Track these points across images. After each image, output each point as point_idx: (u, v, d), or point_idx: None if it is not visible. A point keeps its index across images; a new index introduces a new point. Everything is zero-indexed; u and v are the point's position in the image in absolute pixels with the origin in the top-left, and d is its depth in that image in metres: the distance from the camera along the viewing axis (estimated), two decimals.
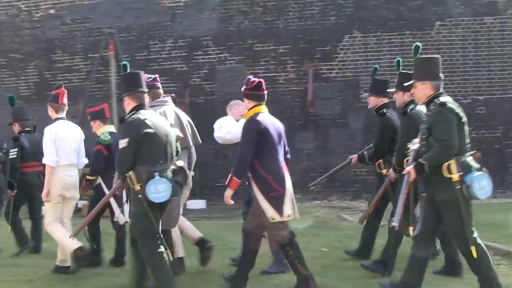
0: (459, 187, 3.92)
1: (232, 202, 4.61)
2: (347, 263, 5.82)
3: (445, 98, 4.11)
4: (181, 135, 4.66)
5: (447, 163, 3.95)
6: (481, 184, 3.89)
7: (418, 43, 4.56)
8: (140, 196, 4.18)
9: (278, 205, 4.48)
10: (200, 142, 5.48)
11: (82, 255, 5.31)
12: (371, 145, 5.90)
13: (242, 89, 4.86)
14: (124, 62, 4.78)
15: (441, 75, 4.24)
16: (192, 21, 11.19)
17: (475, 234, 4.09)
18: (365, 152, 5.99)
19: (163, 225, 4.62)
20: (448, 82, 10.35)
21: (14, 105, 6.78)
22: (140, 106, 4.41)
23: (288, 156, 4.90)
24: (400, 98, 5.16)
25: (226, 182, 4.62)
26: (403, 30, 10.42)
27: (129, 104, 4.45)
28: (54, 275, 5.55)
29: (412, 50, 4.55)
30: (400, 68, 5.29)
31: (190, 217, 8.96)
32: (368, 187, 10.37)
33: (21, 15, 12.28)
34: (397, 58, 5.34)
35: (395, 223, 4.33)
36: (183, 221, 5.53)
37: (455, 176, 3.91)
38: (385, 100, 5.66)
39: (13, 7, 12.31)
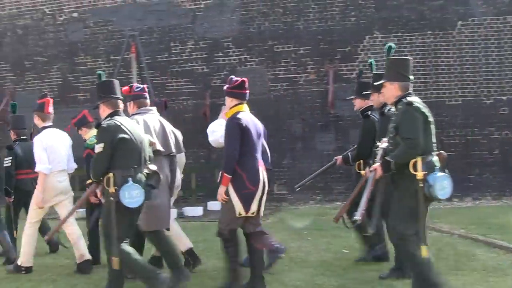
0: (421, 185, 3.96)
1: (226, 198, 4.68)
2: (368, 265, 5.78)
3: (413, 98, 4.15)
4: (153, 141, 4.78)
5: (413, 161, 3.99)
6: (442, 185, 3.97)
7: (390, 44, 4.59)
8: (112, 199, 4.29)
9: (247, 201, 4.64)
10: (184, 150, 5.62)
11: (86, 268, 5.56)
12: (355, 146, 5.95)
13: (225, 87, 4.95)
14: (99, 72, 4.95)
15: (411, 76, 4.26)
16: (213, 23, 11.24)
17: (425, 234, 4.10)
18: (349, 153, 6.02)
19: (152, 226, 4.88)
20: (470, 82, 10.27)
21: (15, 112, 6.89)
22: (115, 113, 4.54)
23: (268, 155, 5.09)
24: (376, 99, 5.21)
25: (218, 180, 4.72)
26: (424, 30, 10.33)
27: (104, 110, 4.60)
28: (77, 275, 5.65)
29: (385, 50, 4.60)
30: (374, 69, 5.27)
31: (211, 218, 9.05)
32: None
33: (45, 18, 12.50)
34: (370, 60, 5.29)
35: (357, 217, 4.32)
36: (173, 227, 5.56)
37: (419, 174, 3.96)
38: (370, 102, 5.64)
39: (38, 11, 12.54)
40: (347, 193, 10.43)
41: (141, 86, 5.45)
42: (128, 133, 4.39)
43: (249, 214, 4.69)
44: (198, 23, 11.35)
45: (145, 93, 5.33)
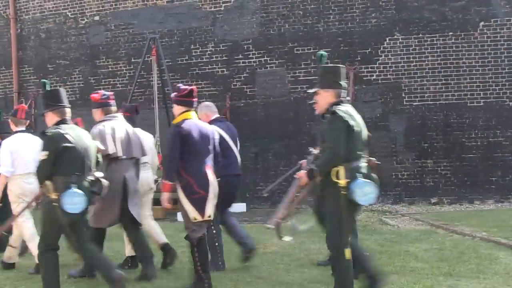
0: (344, 192, 4.05)
1: (169, 205, 4.93)
2: (389, 267, 5.75)
3: (342, 107, 4.19)
4: (101, 147, 4.97)
5: (335, 169, 4.07)
6: (364, 191, 4.03)
7: (322, 52, 4.66)
8: (54, 204, 4.46)
9: (200, 206, 4.77)
10: (147, 154, 5.75)
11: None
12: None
13: (173, 95, 5.12)
14: (43, 80, 5.12)
15: (343, 83, 4.32)
16: (233, 25, 11.30)
17: (348, 239, 4.19)
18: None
19: (98, 224, 5.33)
20: (492, 84, 10.14)
21: (0, 119, 7.10)
22: (62, 121, 4.70)
23: (220, 159, 5.15)
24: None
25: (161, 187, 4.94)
26: (445, 32, 10.24)
27: (51, 119, 4.74)
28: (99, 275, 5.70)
29: (317, 58, 4.66)
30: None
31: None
32: (410, 190, 10.25)
33: (67, 22, 12.69)
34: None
35: (269, 224, 4.51)
36: (150, 224, 5.93)
37: (342, 182, 4.05)
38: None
39: (60, 15, 12.74)
40: None
41: (107, 94, 5.66)
42: (72, 141, 4.56)
43: (206, 218, 4.83)
44: (218, 26, 11.42)
45: (110, 101, 5.59)
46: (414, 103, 10.32)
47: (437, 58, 10.24)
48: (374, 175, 4.22)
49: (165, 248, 5.85)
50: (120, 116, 5.63)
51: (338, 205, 4.10)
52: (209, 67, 11.44)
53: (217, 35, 11.41)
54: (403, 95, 10.37)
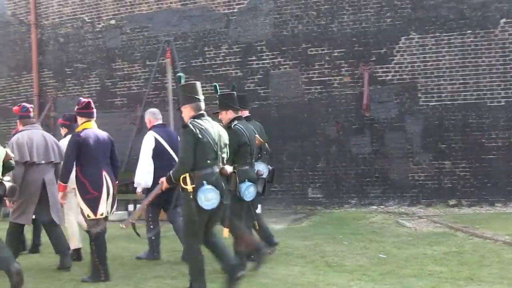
0: (191, 197, 4.49)
1: (65, 202, 5.78)
2: (406, 270, 5.67)
3: (199, 120, 4.66)
4: (11, 154, 5.36)
5: (183, 176, 4.55)
6: (207, 197, 4.47)
7: (180, 74, 4.97)
8: None
9: (93, 205, 5.42)
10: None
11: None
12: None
13: (75, 108, 5.81)
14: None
15: (200, 96, 4.75)
16: (246, 27, 11.28)
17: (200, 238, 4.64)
18: None
19: (19, 220, 5.95)
20: None
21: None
22: None
23: (117, 164, 5.80)
24: (224, 116, 5.64)
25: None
26: (464, 30, 10.08)
27: None
28: (118, 274, 5.73)
29: (177, 79, 5.01)
30: (218, 92, 5.66)
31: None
32: (427, 192, 10.10)
33: (84, 26, 12.79)
34: (214, 84, 5.64)
35: (122, 224, 5.02)
36: (70, 220, 6.57)
37: (189, 188, 4.51)
38: (246, 113, 6.47)
39: (78, 19, 12.86)
40: (383, 196, 10.33)
41: (27, 106, 6.37)
42: None
43: (99, 216, 5.45)
44: (232, 28, 11.41)
45: (29, 113, 6.33)
46: (431, 103, 10.18)
47: (455, 57, 10.09)
48: (223, 183, 4.62)
49: (78, 251, 6.57)
50: (38, 125, 6.41)
51: (188, 208, 4.57)
52: (223, 68, 11.43)
53: (231, 36, 11.40)
54: (419, 95, 10.24)
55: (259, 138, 5.95)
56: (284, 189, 10.90)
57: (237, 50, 11.32)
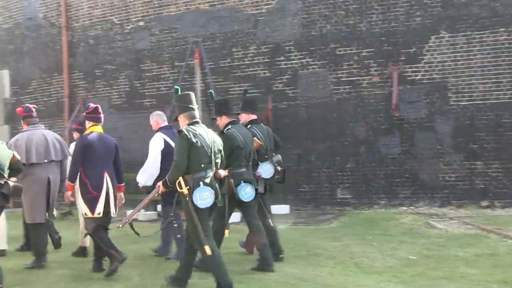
0: (188, 198, 4.77)
1: (72, 199, 5.98)
2: (437, 272, 5.59)
3: (193, 126, 4.96)
4: (18, 157, 5.50)
5: (178, 180, 4.83)
6: (202, 196, 4.75)
7: (176, 86, 5.37)
8: None
9: (91, 204, 5.72)
10: (70, 155, 6.46)
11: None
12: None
13: (84, 113, 6.11)
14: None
15: (194, 106, 5.09)
16: (274, 27, 11.28)
17: (207, 236, 4.86)
18: None
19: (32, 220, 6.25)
20: None
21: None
22: None
23: (121, 167, 6.07)
24: (220, 122, 5.92)
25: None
26: (496, 28, 9.86)
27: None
28: (146, 274, 5.80)
29: (174, 91, 5.32)
30: (214, 98, 6.12)
31: (274, 222, 9.04)
32: (458, 193, 9.94)
33: (114, 28, 12.99)
34: (210, 91, 5.92)
35: (120, 225, 5.22)
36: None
37: (184, 190, 4.80)
38: (254, 116, 6.51)
39: (107, 21, 13.06)
40: (413, 197, 10.20)
41: (30, 107, 6.67)
42: None
43: (96, 215, 5.74)
44: (260, 28, 11.42)
45: (32, 113, 6.60)
46: (462, 103, 10.01)
47: (487, 56, 9.89)
48: (217, 184, 4.90)
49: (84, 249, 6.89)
50: (40, 125, 6.62)
51: (187, 209, 4.83)
52: (251, 69, 11.46)
53: (259, 37, 11.41)
54: (450, 94, 10.07)
55: (258, 141, 6.15)
56: (313, 189, 10.86)
57: (265, 50, 11.33)
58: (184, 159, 4.80)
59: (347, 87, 10.71)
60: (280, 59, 11.21)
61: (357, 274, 5.67)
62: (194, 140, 4.83)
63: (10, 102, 14.36)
